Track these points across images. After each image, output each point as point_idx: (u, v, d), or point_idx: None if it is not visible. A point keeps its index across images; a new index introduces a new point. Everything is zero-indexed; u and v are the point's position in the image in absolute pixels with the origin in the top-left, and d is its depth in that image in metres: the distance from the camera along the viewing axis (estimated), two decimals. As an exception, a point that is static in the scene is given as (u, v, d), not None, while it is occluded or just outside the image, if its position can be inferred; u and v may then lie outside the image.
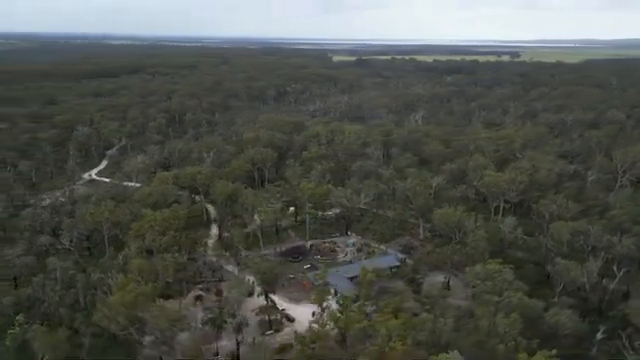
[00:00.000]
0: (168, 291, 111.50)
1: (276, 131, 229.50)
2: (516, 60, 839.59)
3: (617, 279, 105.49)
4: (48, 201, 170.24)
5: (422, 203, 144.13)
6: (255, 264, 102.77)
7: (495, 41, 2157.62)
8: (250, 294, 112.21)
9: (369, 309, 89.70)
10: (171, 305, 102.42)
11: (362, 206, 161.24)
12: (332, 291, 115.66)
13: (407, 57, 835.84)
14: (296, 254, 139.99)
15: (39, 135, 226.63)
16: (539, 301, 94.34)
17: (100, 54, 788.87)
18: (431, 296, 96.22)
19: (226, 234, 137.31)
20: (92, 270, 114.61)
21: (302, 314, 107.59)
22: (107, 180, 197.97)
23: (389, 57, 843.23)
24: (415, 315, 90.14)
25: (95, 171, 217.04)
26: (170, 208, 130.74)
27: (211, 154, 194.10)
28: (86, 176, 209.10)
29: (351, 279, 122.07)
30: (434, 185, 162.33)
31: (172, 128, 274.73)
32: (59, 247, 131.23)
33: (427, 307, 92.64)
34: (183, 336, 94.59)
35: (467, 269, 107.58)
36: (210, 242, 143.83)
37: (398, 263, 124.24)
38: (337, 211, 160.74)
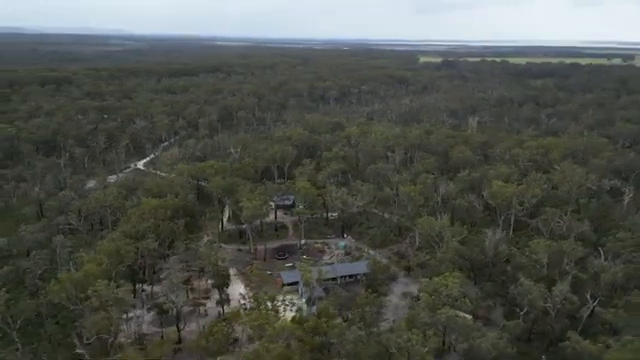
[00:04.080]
0: (140, 275, 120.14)
1: (313, 131, 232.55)
2: (625, 64, 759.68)
3: (591, 308, 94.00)
4: (90, 186, 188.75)
5: (415, 210, 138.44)
6: (207, 257, 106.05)
7: (616, 42, 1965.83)
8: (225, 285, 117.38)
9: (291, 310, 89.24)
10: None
11: (364, 209, 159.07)
12: (299, 291, 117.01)
13: (498, 59, 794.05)
14: (283, 252, 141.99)
15: (99, 126, 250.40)
16: (477, 322, 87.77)
17: (196, 54, 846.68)
18: (362, 304, 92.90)
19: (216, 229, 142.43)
20: (84, 249, 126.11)
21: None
22: (145, 170, 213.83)
23: (478, 59, 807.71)
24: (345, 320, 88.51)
25: (143, 161, 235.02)
26: (163, 198, 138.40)
27: (238, 150, 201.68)
28: (132, 165, 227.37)
29: (324, 280, 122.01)
30: (442, 192, 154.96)
31: (224, 124, 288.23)
32: (71, 227, 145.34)
33: (348, 313, 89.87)
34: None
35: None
36: (213, 233, 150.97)
37: (368, 270, 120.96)
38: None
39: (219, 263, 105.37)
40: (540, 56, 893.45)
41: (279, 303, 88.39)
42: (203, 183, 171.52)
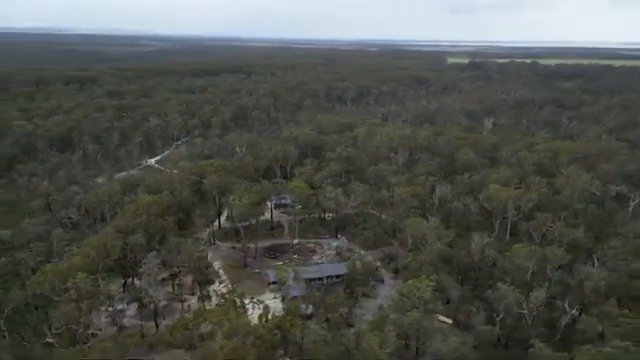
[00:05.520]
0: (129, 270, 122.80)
1: (322, 131, 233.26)
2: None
3: (568, 315, 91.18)
4: (99, 181, 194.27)
5: (406, 211, 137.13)
6: (187, 254, 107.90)
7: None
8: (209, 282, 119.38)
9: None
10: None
11: (361, 210, 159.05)
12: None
13: (528, 60, 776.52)
14: (274, 251, 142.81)
15: (114, 124, 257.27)
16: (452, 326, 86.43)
17: (222, 54, 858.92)
18: (332, 304, 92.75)
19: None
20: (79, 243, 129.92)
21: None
22: (156, 167, 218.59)
23: (507, 60, 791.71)
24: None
25: (154, 159, 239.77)
26: (158, 195, 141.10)
27: (243, 149, 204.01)
28: (144, 163, 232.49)
29: (311, 281, 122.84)
30: (439, 195, 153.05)
31: (238, 124, 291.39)
32: (73, 221, 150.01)
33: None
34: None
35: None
36: (207, 231, 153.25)
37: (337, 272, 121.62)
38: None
39: (200, 260, 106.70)
40: (573, 57, 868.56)
41: (247, 301, 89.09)
42: (205, 181, 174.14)
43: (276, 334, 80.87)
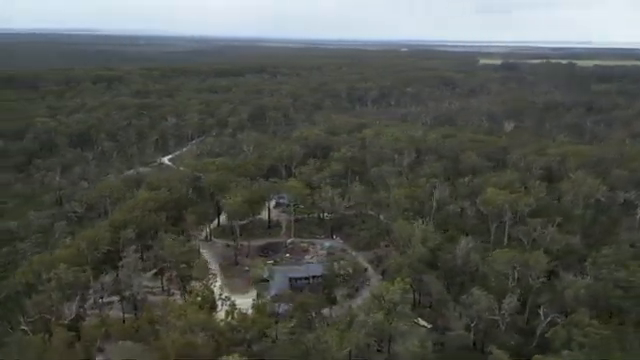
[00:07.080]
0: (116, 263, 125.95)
1: (332, 132, 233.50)
2: None
3: (543, 324, 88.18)
4: (110, 177, 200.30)
5: (398, 213, 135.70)
6: (169, 248, 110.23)
7: None
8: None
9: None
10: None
11: (360, 211, 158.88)
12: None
13: (564, 61, 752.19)
14: (267, 250, 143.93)
15: (132, 122, 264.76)
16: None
17: (245, 54, 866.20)
18: (303, 304, 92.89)
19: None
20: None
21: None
22: (169, 165, 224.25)
23: (543, 61, 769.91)
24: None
25: (168, 157, 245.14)
26: (155, 192, 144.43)
27: (250, 148, 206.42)
28: (158, 160, 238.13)
29: (296, 280, 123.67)
30: (437, 197, 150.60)
31: (254, 123, 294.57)
32: (78, 215, 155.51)
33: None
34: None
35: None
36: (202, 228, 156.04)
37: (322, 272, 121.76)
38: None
39: (181, 256, 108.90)
40: (614, 58, 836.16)
41: (217, 297, 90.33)
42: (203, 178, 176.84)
43: (239, 331, 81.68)
